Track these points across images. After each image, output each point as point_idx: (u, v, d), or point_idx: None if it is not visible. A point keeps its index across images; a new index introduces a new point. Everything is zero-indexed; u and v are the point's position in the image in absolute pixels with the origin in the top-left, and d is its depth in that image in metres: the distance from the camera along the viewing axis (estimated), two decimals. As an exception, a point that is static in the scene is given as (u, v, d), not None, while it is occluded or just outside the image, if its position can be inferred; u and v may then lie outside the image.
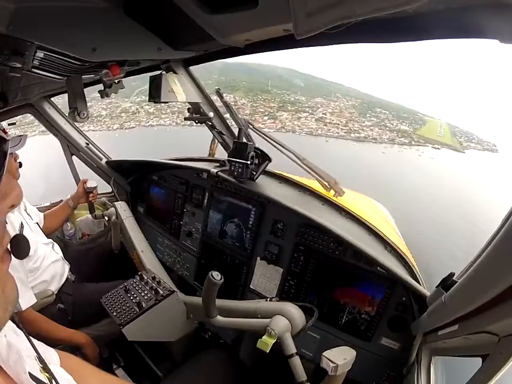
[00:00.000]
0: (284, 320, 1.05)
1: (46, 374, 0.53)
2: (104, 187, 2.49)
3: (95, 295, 1.67)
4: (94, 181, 2.15)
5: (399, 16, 0.68)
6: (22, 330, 0.54)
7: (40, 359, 0.54)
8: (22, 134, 1.65)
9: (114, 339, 1.79)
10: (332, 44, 0.96)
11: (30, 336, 0.55)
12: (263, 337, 1.02)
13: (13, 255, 0.44)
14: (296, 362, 1.02)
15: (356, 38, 0.85)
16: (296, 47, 1.09)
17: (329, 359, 0.88)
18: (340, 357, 0.89)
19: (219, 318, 1.20)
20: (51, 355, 0.73)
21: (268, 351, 0.99)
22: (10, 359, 0.47)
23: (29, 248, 0.48)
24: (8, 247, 0.44)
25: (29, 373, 0.49)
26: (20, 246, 0.46)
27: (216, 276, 1.10)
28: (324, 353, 0.90)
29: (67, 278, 1.82)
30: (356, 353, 0.93)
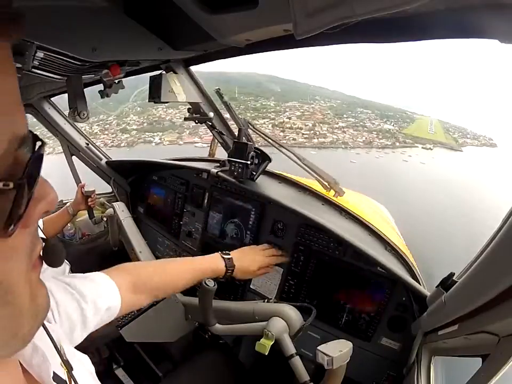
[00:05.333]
0: (281, 321, 1.05)
1: (64, 368, 0.51)
2: (104, 187, 2.49)
3: None
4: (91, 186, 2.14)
5: (399, 16, 0.68)
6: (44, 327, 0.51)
7: (58, 351, 0.51)
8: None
9: (114, 339, 1.79)
10: (331, 44, 0.96)
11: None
12: (261, 339, 1.02)
13: (46, 263, 0.41)
14: (297, 362, 1.01)
15: (356, 38, 0.85)
16: (296, 47, 1.09)
17: (323, 353, 0.87)
18: (335, 350, 0.88)
19: (218, 326, 1.21)
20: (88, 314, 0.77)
21: (266, 354, 0.99)
22: (34, 360, 0.46)
23: (64, 255, 0.44)
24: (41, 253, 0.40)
25: (54, 373, 0.47)
26: (53, 253, 0.42)
27: (209, 282, 1.10)
28: (318, 347, 0.89)
29: None
30: (352, 345, 0.92)
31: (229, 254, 1.28)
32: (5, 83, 0.28)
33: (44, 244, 0.40)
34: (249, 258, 1.34)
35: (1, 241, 0.28)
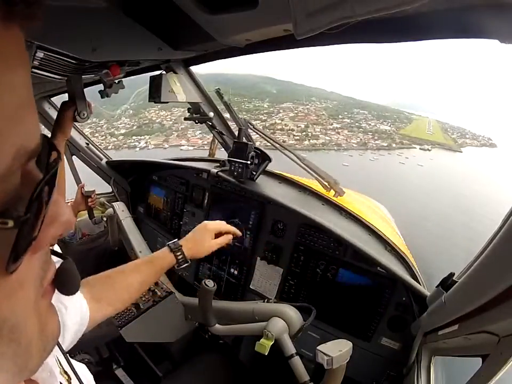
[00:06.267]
0: (281, 322, 1.05)
1: (65, 376, 0.51)
2: (104, 187, 2.50)
3: None
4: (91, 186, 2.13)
5: (399, 16, 0.68)
6: None
7: (58, 360, 0.51)
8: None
9: (114, 339, 1.79)
10: (331, 44, 0.96)
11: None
12: (260, 340, 1.02)
13: (59, 291, 0.36)
14: (297, 362, 1.01)
15: (356, 38, 0.85)
16: (296, 47, 1.09)
17: (323, 352, 0.86)
18: (335, 350, 0.87)
19: (217, 326, 1.21)
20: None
21: (266, 354, 0.99)
22: (39, 375, 0.43)
23: (79, 282, 0.39)
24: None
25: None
26: (67, 280, 0.37)
27: (209, 283, 1.11)
28: (318, 347, 0.89)
29: None
30: (352, 345, 0.91)
31: (178, 244, 1.14)
32: (13, 78, 0.21)
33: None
34: (200, 244, 1.19)
35: (3, 278, 0.24)
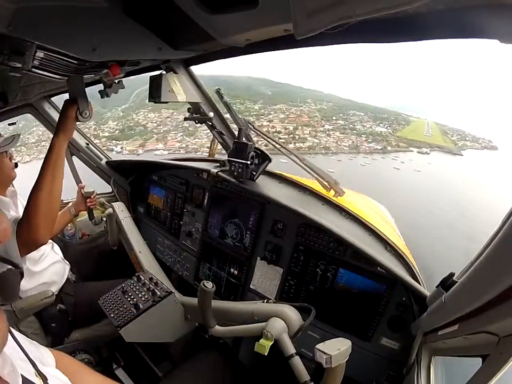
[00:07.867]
0: (280, 322, 1.05)
1: (40, 379, 0.52)
2: (104, 187, 2.49)
3: (96, 294, 1.67)
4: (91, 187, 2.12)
5: (399, 16, 0.68)
6: (12, 334, 0.50)
7: (32, 363, 0.52)
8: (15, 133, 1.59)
9: (114, 339, 1.79)
10: (331, 44, 0.96)
11: (25, 338, 0.53)
12: (260, 340, 1.01)
13: None
14: (297, 362, 1.01)
15: (356, 38, 0.85)
16: (296, 47, 1.10)
17: (322, 351, 0.86)
18: (334, 348, 0.87)
19: (217, 328, 1.22)
20: (46, 356, 0.72)
21: (266, 354, 0.99)
22: (5, 370, 0.46)
23: (18, 287, 0.40)
24: None
25: (24, 377, 0.48)
26: (6, 286, 0.38)
27: (207, 284, 1.11)
28: (316, 346, 0.88)
29: (67, 279, 1.82)
30: (350, 343, 0.91)
31: None
32: None
33: None
34: None
35: None
